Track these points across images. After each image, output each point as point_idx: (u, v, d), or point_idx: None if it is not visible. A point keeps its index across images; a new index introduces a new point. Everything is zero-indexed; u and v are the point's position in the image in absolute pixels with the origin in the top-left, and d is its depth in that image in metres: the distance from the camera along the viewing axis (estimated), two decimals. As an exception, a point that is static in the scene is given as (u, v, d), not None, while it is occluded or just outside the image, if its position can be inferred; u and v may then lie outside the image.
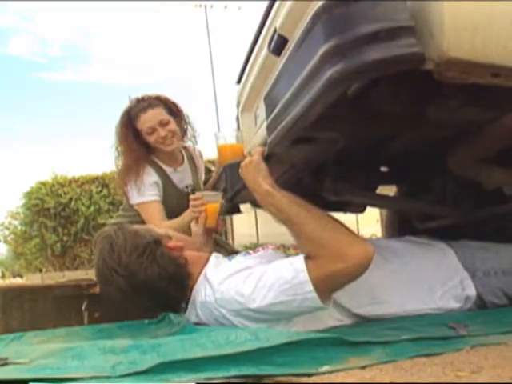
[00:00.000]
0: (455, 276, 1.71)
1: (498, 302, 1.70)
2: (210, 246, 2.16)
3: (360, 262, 1.36)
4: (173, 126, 2.77)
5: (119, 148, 2.81)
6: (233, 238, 9.85)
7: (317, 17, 1.12)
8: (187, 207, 2.40)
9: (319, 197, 2.03)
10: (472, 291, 1.69)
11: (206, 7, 14.61)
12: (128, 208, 2.88)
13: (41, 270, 11.39)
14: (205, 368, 1.07)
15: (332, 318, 1.58)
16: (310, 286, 1.35)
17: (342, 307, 1.58)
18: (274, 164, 1.65)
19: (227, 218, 8.59)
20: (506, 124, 1.41)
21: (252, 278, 1.45)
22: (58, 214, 11.29)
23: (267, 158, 1.61)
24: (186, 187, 2.93)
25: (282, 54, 1.88)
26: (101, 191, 11.08)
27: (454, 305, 1.67)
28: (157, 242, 1.65)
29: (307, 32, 1.17)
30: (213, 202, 2.13)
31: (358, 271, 1.37)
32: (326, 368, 1.02)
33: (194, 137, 3.03)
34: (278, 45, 1.88)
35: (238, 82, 2.73)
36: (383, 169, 2.34)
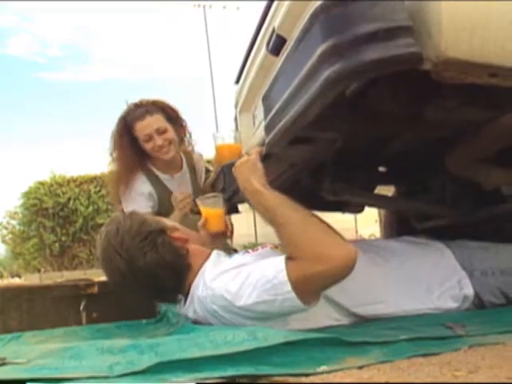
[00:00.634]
0: (453, 276, 1.71)
1: (496, 302, 1.70)
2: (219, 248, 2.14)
3: (341, 264, 1.35)
4: (170, 134, 2.72)
5: (113, 154, 2.78)
6: (231, 238, 9.82)
7: (315, 17, 1.12)
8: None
9: (318, 197, 2.03)
10: (470, 291, 1.69)
11: (204, 7, 14.64)
12: None
13: (39, 270, 11.38)
14: (202, 368, 1.07)
15: (330, 318, 1.58)
16: (288, 286, 1.35)
17: (340, 307, 1.58)
18: (272, 164, 1.66)
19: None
20: (504, 124, 1.41)
21: (240, 276, 1.46)
22: (56, 213, 11.30)
23: (265, 158, 1.61)
24: None
25: (281, 54, 1.88)
26: (99, 191, 11.09)
27: (452, 304, 1.67)
28: (161, 230, 1.67)
29: (305, 32, 1.17)
30: (212, 206, 2.07)
31: (340, 273, 1.36)
32: (323, 368, 1.02)
33: (192, 144, 3.00)
34: (277, 45, 1.88)
35: (237, 82, 2.72)
36: (382, 169, 2.34)
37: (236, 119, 2.79)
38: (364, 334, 1.28)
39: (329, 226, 1.44)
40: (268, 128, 1.47)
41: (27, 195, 11.54)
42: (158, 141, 2.66)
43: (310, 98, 1.13)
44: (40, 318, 2.21)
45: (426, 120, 1.36)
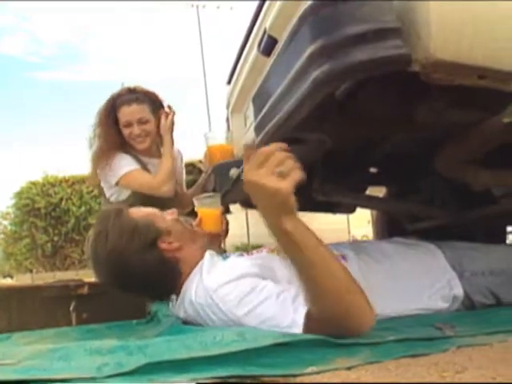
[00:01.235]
0: (443, 276, 1.72)
1: (485, 302, 1.71)
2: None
3: (359, 331, 1.22)
4: (150, 126, 2.77)
5: (97, 130, 2.81)
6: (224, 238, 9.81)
7: (304, 18, 1.12)
8: (163, 201, 2.45)
9: (309, 197, 2.03)
10: (459, 291, 1.69)
11: (198, 7, 14.61)
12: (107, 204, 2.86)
13: (31, 271, 11.34)
14: (191, 369, 1.06)
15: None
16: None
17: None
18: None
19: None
20: (493, 126, 1.41)
21: (249, 299, 1.37)
22: (48, 214, 11.27)
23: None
24: None
25: (272, 54, 1.88)
26: (91, 191, 11.04)
27: (442, 305, 1.68)
28: (152, 243, 1.62)
29: (294, 33, 1.17)
30: (209, 206, 2.03)
31: (354, 334, 1.23)
32: (312, 369, 1.02)
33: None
34: (268, 45, 1.88)
35: (229, 82, 2.73)
36: (373, 170, 2.35)
37: (228, 120, 2.79)
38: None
39: (350, 275, 1.25)
40: (258, 129, 1.48)
41: (19, 195, 11.50)
42: (136, 130, 2.73)
43: (298, 98, 1.14)
44: (30, 319, 2.20)
45: (415, 121, 1.36)
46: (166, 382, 1.00)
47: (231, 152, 2.34)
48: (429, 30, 1.04)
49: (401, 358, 1.07)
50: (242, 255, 1.74)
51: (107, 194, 2.83)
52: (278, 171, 1.14)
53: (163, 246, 1.63)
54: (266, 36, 1.88)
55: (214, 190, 2.15)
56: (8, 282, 11.28)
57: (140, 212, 1.74)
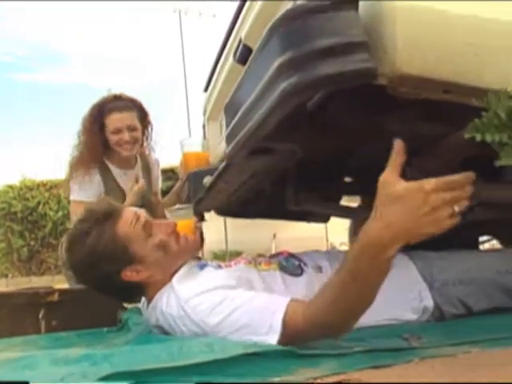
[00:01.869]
0: (414, 287, 1.73)
1: (456, 312, 1.72)
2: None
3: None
4: (138, 133, 2.81)
5: (81, 137, 2.83)
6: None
7: (274, 29, 1.13)
8: None
9: (282, 206, 2.04)
10: (430, 302, 1.71)
11: (180, 13, 14.60)
12: None
13: (6, 276, 11.19)
14: (157, 379, 1.06)
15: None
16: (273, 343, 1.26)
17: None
18: (234, 173, 1.66)
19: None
20: (456, 140, 1.43)
21: (223, 307, 1.36)
22: (25, 218, 11.15)
23: (226, 167, 1.60)
24: None
25: (247, 63, 1.89)
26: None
27: (411, 316, 1.68)
28: (118, 271, 1.53)
29: (265, 44, 1.18)
30: (181, 217, 2.01)
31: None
32: (275, 379, 1.02)
33: (153, 147, 3.07)
34: (243, 54, 1.90)
35: (206, 89, 2.73)
36: (348, 179, 2.36)
37: (204, 127, 2.80)
38: (319, 346, 1.28)
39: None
40: (229, 138, 1.48)
41: (-4, 199, 11.36)
42: (126, 136, 2.75)
43: (267, 109, 1.14)
44: (-2, 326, 2.17)
45: (384, 132, 1.37)
46: (130, 393, 0.99)
47: (206, 159, 2.35)
48: (395, 44, 1.06)
49: (365, 368, 1.07)
50: (220, 267, 1.71)
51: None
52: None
53: (127, 274, 1.55)
54: (241, 45, 1.89)
55: (188, 198, 2.14)
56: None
57: (125, 227, 1.57)
